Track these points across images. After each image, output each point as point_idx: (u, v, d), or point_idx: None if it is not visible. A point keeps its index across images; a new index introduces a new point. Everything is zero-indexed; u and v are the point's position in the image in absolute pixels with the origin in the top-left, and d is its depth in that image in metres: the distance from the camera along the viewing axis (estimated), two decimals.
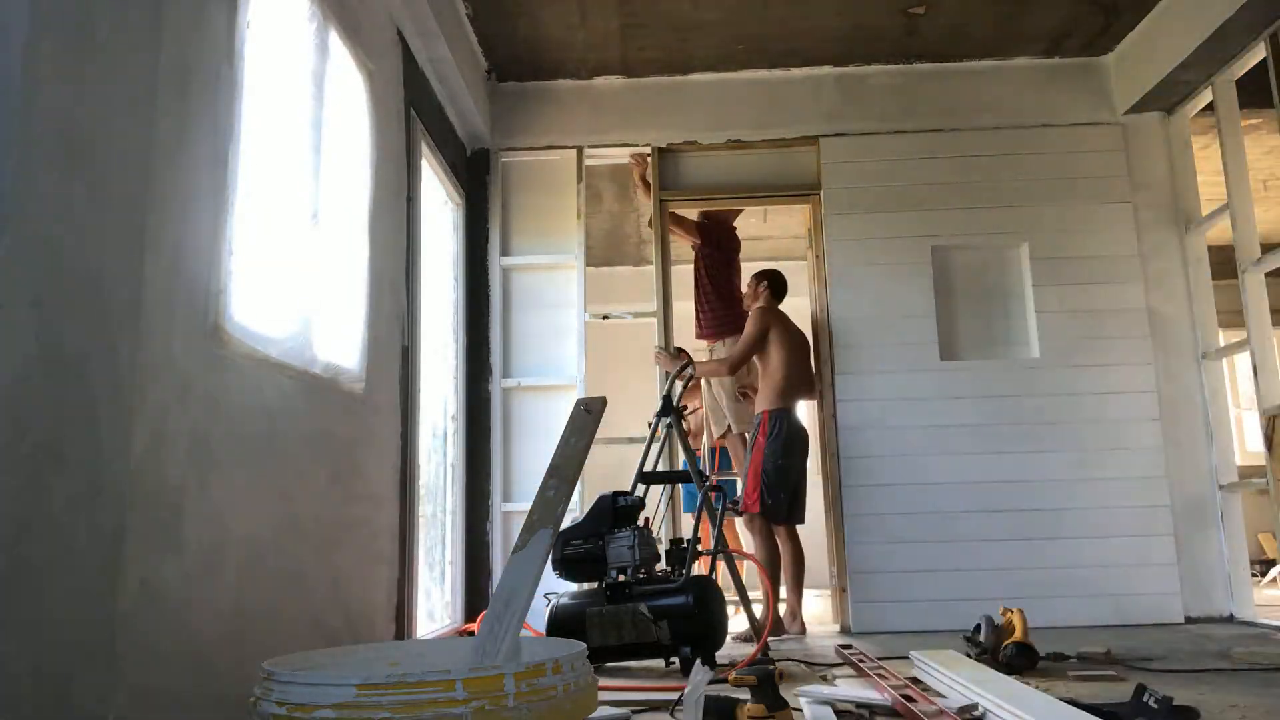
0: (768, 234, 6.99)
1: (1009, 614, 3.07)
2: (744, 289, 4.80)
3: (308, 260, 2.72)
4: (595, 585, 3.34)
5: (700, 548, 3.58)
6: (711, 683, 2.25)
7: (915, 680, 2.68)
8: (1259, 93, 4.10)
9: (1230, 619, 4.31)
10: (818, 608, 5.32)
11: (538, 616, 3.47)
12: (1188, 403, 4.56)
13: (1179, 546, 4.39)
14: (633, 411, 5.00)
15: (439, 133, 4.30)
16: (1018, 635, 2.96)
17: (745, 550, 4.60)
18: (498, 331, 4.82)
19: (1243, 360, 4.54)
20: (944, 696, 2.38)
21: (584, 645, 1.85)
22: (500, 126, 4.95)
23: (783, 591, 4.23)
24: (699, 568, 3.73)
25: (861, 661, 2.97)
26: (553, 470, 2.21)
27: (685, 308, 5.17)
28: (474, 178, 4.94)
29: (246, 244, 2.26)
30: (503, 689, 1.53)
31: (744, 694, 2.16)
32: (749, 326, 4.42)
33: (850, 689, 2.60)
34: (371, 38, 3.33)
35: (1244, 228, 4.18)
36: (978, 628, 3.12)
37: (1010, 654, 2.91)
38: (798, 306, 4.83)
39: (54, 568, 1.48)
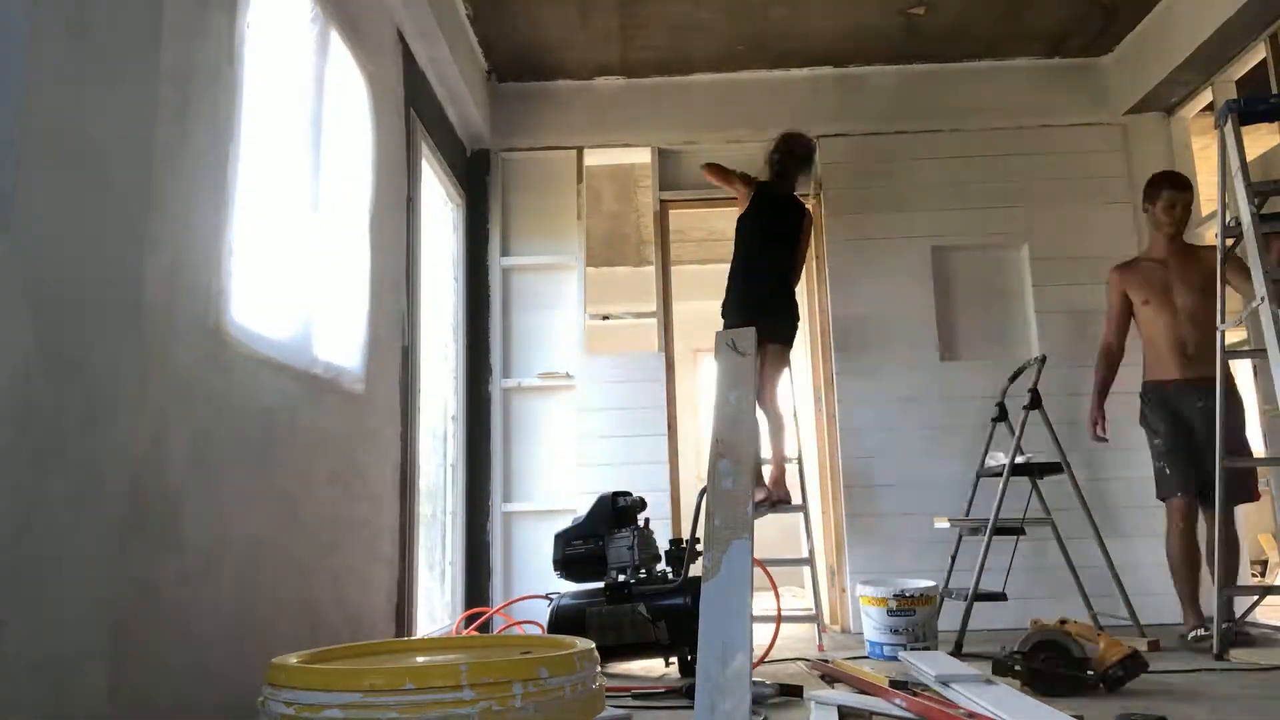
0: None
1: (1070, 624, 2.72)
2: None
3: (308, 260, 2.72)
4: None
5: None
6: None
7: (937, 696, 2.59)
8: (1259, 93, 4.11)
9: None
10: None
11: (539, 615, 3.47)
12: None
13: None
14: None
15: (439, 133, 4.30)
16: (1121, 649, 2.56)
17: None
18: (498, 331, 4.82)
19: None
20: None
21: (592, 646, 1.85)
22: (500, 126, 4.95)
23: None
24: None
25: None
26: (718, 445, 1.58)
27: (685, 308, 5.14)
28: (474, 178, 4.94)
29: (247, 244, 2.26)
30: (510, 690, 1.52)
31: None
32: None
33: (858, 697, 2.54)
34: (372, 39, 3.33)
35: None
36: (1038, 643, 2.65)
37: (1124, 669, 2.53)
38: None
39: (54, 568, 1.48)
